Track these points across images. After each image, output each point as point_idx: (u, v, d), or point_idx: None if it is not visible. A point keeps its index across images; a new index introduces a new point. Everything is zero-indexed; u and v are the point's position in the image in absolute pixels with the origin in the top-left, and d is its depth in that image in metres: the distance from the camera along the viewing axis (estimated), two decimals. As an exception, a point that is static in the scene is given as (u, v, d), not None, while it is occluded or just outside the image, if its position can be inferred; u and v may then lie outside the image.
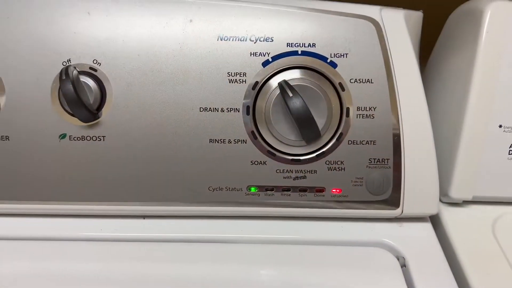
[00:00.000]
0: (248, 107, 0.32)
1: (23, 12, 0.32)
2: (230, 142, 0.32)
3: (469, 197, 0.36)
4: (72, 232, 0.34)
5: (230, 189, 0.33)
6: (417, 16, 0.35)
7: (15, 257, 0.31)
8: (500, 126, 0.35)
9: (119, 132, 0.32)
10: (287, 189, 0.33)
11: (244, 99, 0.32)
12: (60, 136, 0.32)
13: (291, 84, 0.30)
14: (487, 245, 0.34)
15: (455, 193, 0.36)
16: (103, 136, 0.32)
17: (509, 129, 0.35)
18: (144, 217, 0.35)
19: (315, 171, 0.33)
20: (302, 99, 0.30)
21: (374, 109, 0.32)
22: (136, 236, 0.34)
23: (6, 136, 0.32)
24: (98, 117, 0.32)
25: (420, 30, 0.37)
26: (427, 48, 0.43)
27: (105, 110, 0.32)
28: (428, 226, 0.36)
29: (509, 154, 0.35)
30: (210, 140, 0.32)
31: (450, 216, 0.37)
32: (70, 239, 0.33)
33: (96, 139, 0.32)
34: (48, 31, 0.32)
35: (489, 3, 0.34)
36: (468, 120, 0.35)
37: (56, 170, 0.32)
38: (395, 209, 0.34)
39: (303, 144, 0.32)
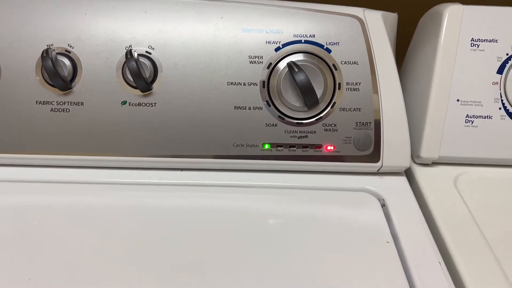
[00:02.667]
0: (263, 82, 0.43)
1: (99, 11, 0.42)
2: (250, 109, 0.43)
3: (435, 157, 0.46)
4: (125, 179, 0.44)
5: (249, 145, 0.43)
6: (393, 16, 0.46)
7: (96, 197, 0.42)
8: (458, 100, 0.45)
9: (166, 100, 0.42)
10: (293, 146, 0.43)
11: (260, 76, 0.42)
12: (122, 102, 0.42)
13: (297, 64, 0.41)
14: (450, 194, 0.44)
15: (425, 153, 0.46)
16: (155, 103, 0.42)
17: (465, 103, 0.45)
18: (182, 169, 0.45)
19: (315, 132, 0.43)
20: (306, 74, 0.40)
21: (359, 84, 0.43)
22: (176, 182, 0.44)
23: (81, 102, 0.42)
24: (152, 89, 0.42)
25: (396, 28, 0.47)
26: (406, 44, 0.54)
27: (156, 83, 0.42)
28: (403, 179, 0.46)
29: (465, 122, 0.45)
30: (235, 107, 0.43)
31: (422, 174, 0.47)
32: (125, 183, 0.43)
33: (149, 105, 0.42)
34: (115, 25, 0.42)
35: (447, 7, 0.45)
36: (432, 96, 0.45)
37: (118, 129, 0.42)
38: (376, 162, 0.44)
39: (306, 110, 0.42)
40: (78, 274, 0.33)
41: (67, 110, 0.42)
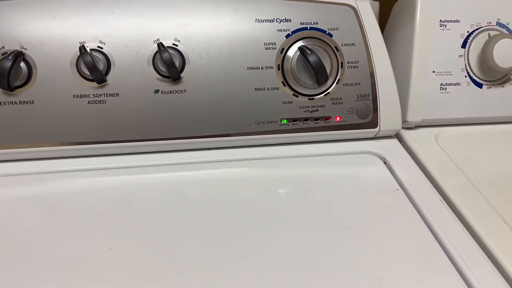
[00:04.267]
0: (278, 65, 0.49)
1: (125, 9, 0.46)
2: (268, 89, 0.49)
3: (419, 120, 0.55)
4: (160, 161, 0.48)
5: (269, 121, 0.49)
6: (376, 4, 0.55)
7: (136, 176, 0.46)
8: (433, 71, 0.54)
9: (195, 86, 0.47)
10: (306, 119, 0.50)
11: (275, 60, 0.49)
12: (154, 91, 0.47)
13: (309, 47, 0.48)
14: (434, 149, 0.53)
15: (411, 118, 0.55)
16: (185, 90, 0.47)
17: (439, 73, 0.54)
18: (209, 148, 0.50)
19: (324, 105, 0.50)
20: (317, 54, 0.47)
21: (358, 62, 0.50)
22: (207, 160, 0.49)
23: (116, 93, 0.46)
24: (181, 77, 0.47)
25: (378, 14, 0.56)
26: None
27: (185, 72, 0.47)
28: (395, 140, 0.54)
29: (440, 90, 0.55)
30: (255, 89, 0.48)
31: (408, 135, 0.56)
32: (161, 165, 0.48)
33: (180, 92, 0.47)
34: (142, 21, 0.46)
35: (419, -6, 0.54)
36: (414, 70, 0.54)
37: (152, 116, 0.47)
38: (375, 128, 0.52)
39: (316, 87, 0.49)
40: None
41: (104, 102, 0.46)
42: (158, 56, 0.46)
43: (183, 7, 0.47)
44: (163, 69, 0.46)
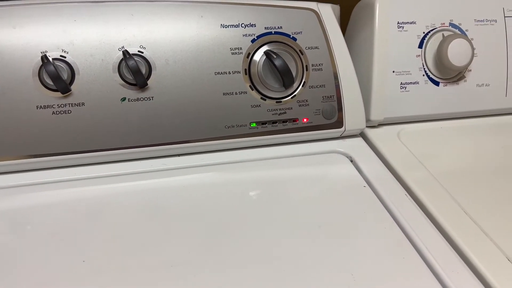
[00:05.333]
0: (245, 69, 0.49)
1: (88, 17, 0.45)
2: (236, 94, 0.49)
3: (381, 119, 0.57)
4: (129, 169, 0.48)
5: (238, 125, 0.50)
6: (337, 8, 0.56)
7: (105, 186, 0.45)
8: (393, 71, 0.57)
9: (163, 93, 0.47)
10: (275, 121, 0.51)
11: (242, 64, 0.49)
12: (121, 99, 0.46)
13: (274, 51, 0.49)
14: (397, 145, 0.55)
15: (374, 117, 0.57)
16: (152, 97, 0.47)
17: (398, 73, 0.57)
18: (179, 154, 0.50)
19: (291, 108, 0.51)
20: (282, 58, 0.48)
21: (322, 65, 0.52)
22: (178, 166, 0.49)
23: (82, 103, 0.45)
24: (148, 84, 0.47)
25: (339, 17, 0.58)
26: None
27: (152, 79, 0.47)
28: (360, 139, 0.56)
29: (400, 89, 0.57)
30: (223, 93, 0.49)
31: (372, 134, 0.58)
32: (130, 173, 0.47)
33: (147, 99, 0.47)
34: (106, 28, 0.46)
35: (377, -2, 0.56)
36: (375, 70, 0.56)
37: (120, 124, 0.46)
38: (341, 128, 0.53)
39: (283, 90, 0.50)
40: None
41: (69, 112, 0.45)
42: (123, 63, 0.45)
43: (148, 14, 0.47)
44: (129, 76, 0.45)
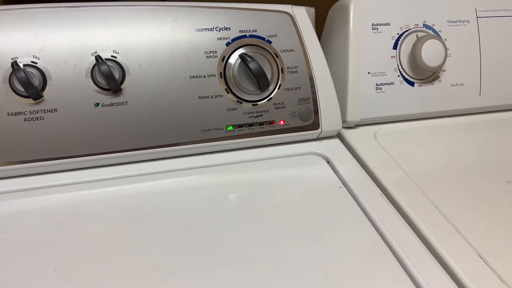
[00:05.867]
0: (221, 73, 0.49)
1: (60, 22, 0.45)
2: (212, 97, 0.49)
3: (358, 119, 0.58)
4: (103, 175, 0.47)
5: (215, 129, 0.50)
6: (312, 11, 0.57)
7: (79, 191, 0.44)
8: (369, 72, 0.57)
9: (137, 98, 0.47)
10: (252, 124, 0.51)
11: (217, 68, 0.49)
12: (95, 104, 0.46)
13: (249, 54, 0.49)
14: (373, 146, 0.56)
15: (350, 118, 0.58)
16: (126, 102, 0.46)
17: (374, 74, 0.57)
18: (155, 159, 0.50)
19: (267, 110, 0.51)
20: (257, 61, 0.48)
21: (297, 67, 0.52)
22: (154, 171, 0.48)
23: (54, 109, 0.44)
24: (122, 89, 0.46)
25: (314, 20, 0.58)
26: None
27: (126, 83, 0.46)
28: (337, 140, 0.56)
29: (376, 89, 0.58)
30: (199, 97, 0.49)
31: (349, 134, 0.58)
32: (105, 179, 0.47)
33: (121, 104, 0.46)
34: (78, 34, 0.45)
35: (352, 0, 0.57)
36: (350, 72, 0.57)
37: (94, 130, 0.46)
38: (317, 129, 0.54)
39: (259, 93, 0.50)
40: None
41: (42, 118, 0.44)
42: (96, 69, 0.45)
43: (121, 18, 0.47)
44: (102, 81, 0.45)
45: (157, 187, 0.46)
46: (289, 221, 0.42)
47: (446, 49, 0.57)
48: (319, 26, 0.64)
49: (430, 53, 0.56)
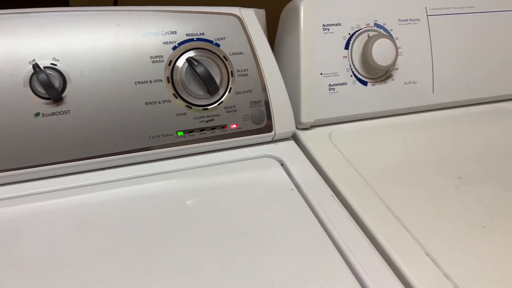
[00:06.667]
0: (168, 77, 0.48)
1: (6, 32, 0.43)
2: (160, 103, 0.48)
3: (312, 121, 0.58)
4: (47, 187, 0.46)
5: (164, 135, 0.49)
6: (262, 12, 0.56)
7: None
8: (321, 73, 0.57)
9: (80, 106, 0.45)
10: (203, 129, 0.50)
11: (164, 72, 0.48)
12: (35, 114, 0.44)
13: (196, 58, 0.48)
14: (328, 147, 0.56)
15: (304, 119, 0.57)
16: (68, 110, 0.45)
17: (326, 75, 0.57)
18: (103, 168, 0.48)
19: (219, 115, 0.51)
20: (204, 65, 0.47)
21: (247, 70, 0.52)
22: (102, 180, 0.47)
23: (-9, 120, 0.43)
24: (63, 98, 0.45)
25: (265, 21, 0.58)
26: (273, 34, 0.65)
27: (67, 92, 0.45)
28: (292, 142, 0.56)
29: (329, 90, 0.58)
30: (146, 103, 0.48)
31: (304, 136, 0.58)
32: (50, 191, 0.45)
33: (63, 113, 0.45)
34: (15, 41, 0.44)
35: (302, 0, 0.57)
36: (303, 73, 0.56)
37: (36, 140, 0.44)
38: (271, 132, 0.53)
39: (209, 97, 0.50)
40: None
41: (-23, 130, 0.42)
42: (35, 77, 0.43)
43: (60, 24, 0.45)
44: (41, 91, 0.44)
45: (105, 197, 0.45)
46: (238, 227, 0.41)
47: (396, 48, 0.58)
48: (274, 28, 0.63)
49: (380, 53, 0.56)
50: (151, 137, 0.48)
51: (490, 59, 0.65)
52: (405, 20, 0.61)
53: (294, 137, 0.58)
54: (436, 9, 0.63)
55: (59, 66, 0.45)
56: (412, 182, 0.50)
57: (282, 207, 0.44)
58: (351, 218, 0.43)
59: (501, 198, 0.47)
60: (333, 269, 0.37)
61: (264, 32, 0.55)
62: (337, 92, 0.58)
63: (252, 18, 0.52)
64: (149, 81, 0.48)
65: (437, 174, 0.51)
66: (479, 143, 0.57)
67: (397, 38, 0.60)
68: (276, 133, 0.54)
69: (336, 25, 0.58)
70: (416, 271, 0.38)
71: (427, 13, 0.62)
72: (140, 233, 0.40)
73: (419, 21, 0.61)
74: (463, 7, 0.64)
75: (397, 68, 0.60)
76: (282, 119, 0.54)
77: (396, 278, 0.37)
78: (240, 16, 0.52)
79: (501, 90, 0.67)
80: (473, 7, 0.64)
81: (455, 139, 0.58)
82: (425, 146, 0.57)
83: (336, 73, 0.58)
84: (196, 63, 0.47)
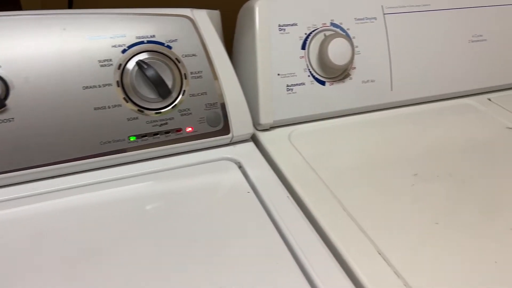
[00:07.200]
0: (118, 81, 0.47)
1: None
2: (110, 107, 0.47)
3: (271, 122, 0.57)
4: None
5: (115, 140, 0.48)
6: (216, 13, 0.56)
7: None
8: (278, 74, 0.57)
9: (25, 113, 0.44)
10: (156, 133, 0.49)
11: (113, 76, 0.47)
12: (-25, 123, 0.42)
13: (145, 61, 0.47)
14: (287, 148, 0.55)
15: (263, 121, 0.57)
16: (12, 118, 0.43)
17: (283, 75, 0.57)
18: (53, 177, 0.47)
19: (173, 118, 0.50)
20: (154, 68, 0.46)
21: (201, 72, 0.51)
22: (51, 189, 0.45)
23: None
24: (6, 105, 0.43)
25: (220, 23, 0.57)
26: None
27: (10, 99, 0.43)
28: (251, 144, 0.56)
29: (287, 91, 0.57)
30: (95, 108, 0.46)
31: (264, 137, 0.57)
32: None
33: (7, 121, 0.43)
34: (-49, 47, 0.42)
35: (257, 1, 0.56)
36: (260, 74, 0.56)
37: (-24, 149, 0.42)
38: (228, 134, 0.53)
39: (161, 100, 0.49)
40: None
41: None
42: (-26, 84, 0.42)
43: (3, 30, 0.44)
44: (-18, 98, 0.42)
45: (55, 207, 0.43)
46: (189, 233, 0.41)
47: (353, 47, 0.58)
48: (231, 29, 0.63)
49: (337, 52, 0.56)
50: (102, 143, 0.47)
51: (447, 56, 0.66)
52: (361, 19, 0.61)
53: (254, 139, 0.57)
54: (392, 7, 0.63)
55: (1, 73, 0.43)
56: (368, 181, 0.50)
57: (237, 211, 0.44)
58: (306, 219, 0.43)
59: (455, 194, 0.47)
60: (284, 272, 0.37)
61: (219, 33, 0.54)
62: (295, 92, 0.58)
63: (205, 19, 0.52)
64: (98, 86, 0.46)
65: (393, 171, 0.51)
66: (437, 140, 0.58)
67: (354, 37, 0.60)
68: (234, 135, 0.53)
69: (292, 25, 0.57)
70: (367, 270, 0.38)
71: (383, 12, 0.62)
72: (90, 242, 0.39)
73: (375, 19, 0.62)
74: (419, 5, 0.65)
75: (355, 67, 0.61)
76: (239, 121, 0.53)
77: (347, 278, 0.37)
78: (192, 18, 0.51)
79: (459, 87, 0.68)
80: (429, 5, 0.65)
81: (413, 136, 0.59)
82: (384, 144, 0.57)
83: (293, 73, 0.57)
84: (145, 66, 0.46)
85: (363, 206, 0.45)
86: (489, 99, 0.70)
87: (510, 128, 0.62)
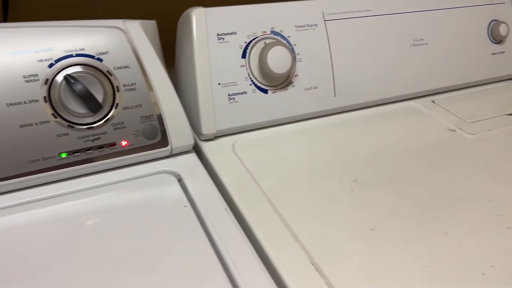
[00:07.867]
0: (45, 97, 0.45)
1: None
2: (37, 124, 0.45)
3: (214, 131, 0.56)
4: None
5: (44, 158, 0.46)
6: (152, 23, 0.54)
7: None
8: (219, 83, 0.56)
9: None
10: (89, 149, 0.48)
11: (40, 92, 0.45)
12: None
13: (73, 76, 0.45)
14: (230, 158, 0.55)
15: (205, 131, 0.56)
16: None
17: (224, 85, 0.56)
18: (-22, 198, 0.45)
19: (106, 132, 0.48)
20: (82, 83, 0.45)
21: (135, 84, 0.49)
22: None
23: None
24: None
25: (157, 33, 0.56)
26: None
27: None
28: (193, 155, 0.55)
29: (228, 100, 0.57)
30: (21, 126, 0.44)
31: (207, 147, 0.57)
32: None
33: None
34: None
35: (193, 10, 0.55)
36: (199, 84, 0.55)
37: None
38: (166, 147, 0.52)
39: (92, 114, 0.47)
40: None
41: None
42: None
43: None
44: None
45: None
46: (120, 252, 0.39)
47: (292, 54, 0.58)
48: (171, 38, 0.62)
49: (276, 60, 0.56)
50: (30, 161, 0.45)
51: (390, 60, 0.67)
52: (302, 26, 0.61)
53: (197, 149, 0.56)
54: (333, 13, 0.63)
55: None
56: (309, 189, 0.49)
57: (172, 226, 0.43)
58: (242, 231, 0.43)
59: (392, 200, 0.48)
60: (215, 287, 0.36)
61: (156, 44, 0.53)
62: (237, 101, 0.57)
63: (138, 30, 0.50)
64: (23, 102, 0.44)
65: (334, 178, 0.51)
66: (380, 144, 0.58)
67: (295, 45, 0.60)
68: (173, 147, 0.52)
69: (231, 34, 0.57)
70: (299, 282, 0.37)
71: (324, 18, 0.63)
72: (15, 265, 0.37)
73: (316, 26, 0.62)
74: (360, 11, 0.65)
75: (297, 75, 0.61)
76: (178, 132, 0.52)
77: (280, 292, 0.37)
78: (124, 29, 0.50)
79: (403, 90, 0.69)
80: (370, 10, 0.66)
81: (356, 141, 0.59)
82: (327, 150, 0.57)
83: (234, 82, 0.57)
84: (73, 81, 0.45)
85: (301, 215, 0.45)
86: (433, 101, 0.71)
87: (452, 130, 0.63)
